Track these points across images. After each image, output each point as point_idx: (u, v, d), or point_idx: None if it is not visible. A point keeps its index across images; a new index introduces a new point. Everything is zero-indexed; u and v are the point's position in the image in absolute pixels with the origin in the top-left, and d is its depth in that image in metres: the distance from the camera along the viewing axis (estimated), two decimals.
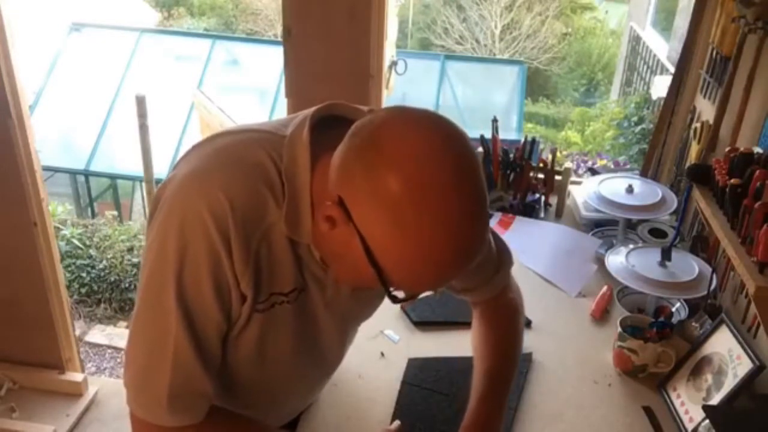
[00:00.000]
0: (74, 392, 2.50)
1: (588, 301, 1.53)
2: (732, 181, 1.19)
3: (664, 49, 7.59)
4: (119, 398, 2.52)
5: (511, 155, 1.89)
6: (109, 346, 4.63)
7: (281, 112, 5.02)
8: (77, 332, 3.70)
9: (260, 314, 0.87)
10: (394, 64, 2.37)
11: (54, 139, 6.45)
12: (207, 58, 7.11)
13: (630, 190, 1.69)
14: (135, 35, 7.30)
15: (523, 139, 1.91)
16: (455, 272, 0.78)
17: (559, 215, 1.91)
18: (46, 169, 3.31)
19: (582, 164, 5.72)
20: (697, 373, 1.25)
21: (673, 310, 1.49)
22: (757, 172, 1.15)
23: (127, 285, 5.10)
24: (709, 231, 1.48)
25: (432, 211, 0.72)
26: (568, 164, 2.05)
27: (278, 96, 6.65)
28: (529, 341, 1.20)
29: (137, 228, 5.81)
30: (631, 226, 1.76)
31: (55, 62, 7.04)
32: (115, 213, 6.52)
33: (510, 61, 9.66)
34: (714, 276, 1.42)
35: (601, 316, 1.49)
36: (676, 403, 1.23)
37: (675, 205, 1.68)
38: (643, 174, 2.01)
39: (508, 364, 1.11)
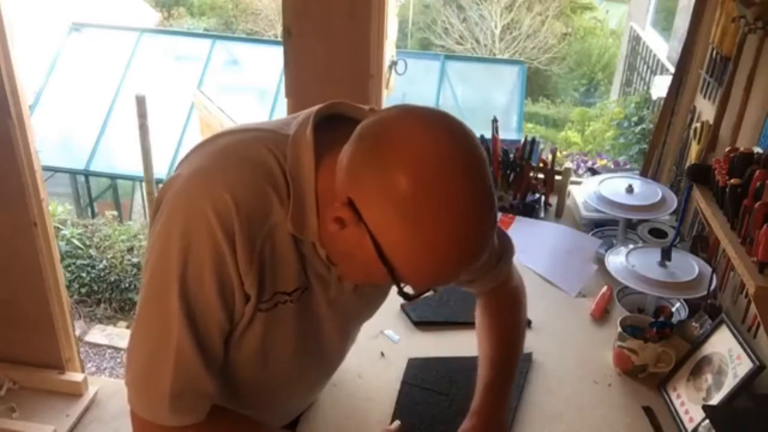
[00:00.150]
0: (74, 392, 2.50)
1: (588, 301, 1.53)
2: (732, 181, 1.19)
3: (664, 49, 7.59)
4: (119, 398, 2.54)
5: (511, 155, 1.89)
6: (109, 346, 4.63)
7: (281, 112, 5.02)
8: (77, 332, 3.71)
9: (263, 314, 0.87)
10: (394, 64, 2.37)
11: (54, 139, 6.46)
12: (207, 58, 7.11)
13: (630, 190, 1.69)
14: (135, 35, 7.30)
15: (523, 139, 1.91)
16: (465, 268, 0.79)
17: (559, 215, 1.91)
18: (46, 169, 3.31)
19: (582, 164, 5.72)
20: (697, 373, 1.25)
21: (673, 310, 1.49)
22: (757, 172, 1.15)
23: (127, 285, 5.10)
24: (709, 231, 1.48)
25: (443, 209, 0.73)
26: (568, 164, 2.06)
27: (278, 96, 6.65)
28: (529, 341, 1.20)
29: (137, 228, 5.82)
30: (631, 226, 1.76)
31: (55, 62, 7.04)
32: (115, 213, 6.53)
33: (510, 61, 9.66)
34: (714, 276, 1.42)
35: (601, 316, 1.49)
36: (676, 403, 1.23)
37: (675, 205, 1.68)
38: (643, 174, 2.01)
39: (512, 352, 1.14)
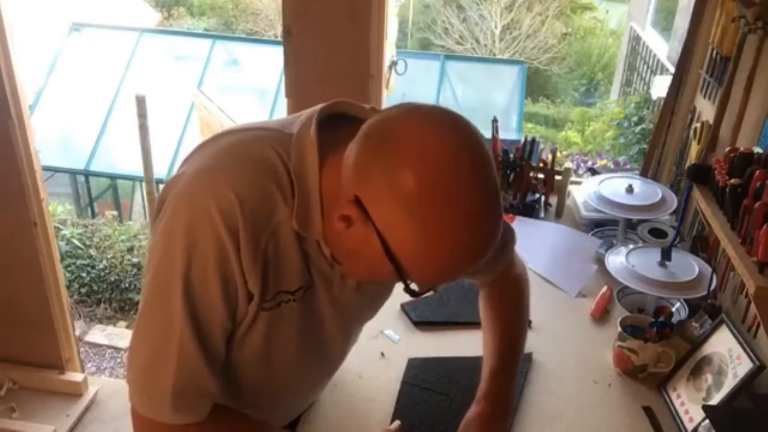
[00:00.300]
0: (74, 392, 2.50)
1: (588, 301, 1.53)
2: (732, 181, 1.19)
3: (664, 49, 7.59)
4: (119, 398, 2.54)
5: (511, 155, 1.89)
6: (109, 346, 4.63)
7: (281, 112, 5.02)
8: (77, 332, 3.71)
9: (267, 312, 0.87)
10: (394, 64, 2.37)
11: (54, 139, 6.46)
12: (207, 58, 7.11)
13: (630, 190, 1.69)
14: (135, 35, 7.29)
15: (523, 139, 1.91)
16: (472, 265, 0.79)
17: (559, 215, 1.91)
18: (46, 169, 3.31)
19: (582, 164, 5.72)
20: (697, 373, 1.25)
21: (673, 310, 1.49)
22: (757, 172, 1.15)
23: (127, 285, 5.10)
24: (709, 231, 1.48)
25: (449, 208, 0.74)
26: (568, 164, 2.06)
27: (278, 96, 6.65)
28: (529, 341, 1.20)
29: (137, 228, 5.82)
30: (631, 226, 1.76)
31: (55, 62, 7.03)
32: (115, 213, 6.53)
33: (510, 61, 9.65)
34: (714, 276, 1.42)
35: (601, 316, 1.49)
36: (676, 403, 1.23)
37: (675, 205, 1.68)
38: (643, 174, 2.01)
39: (515, 340, 1.15)
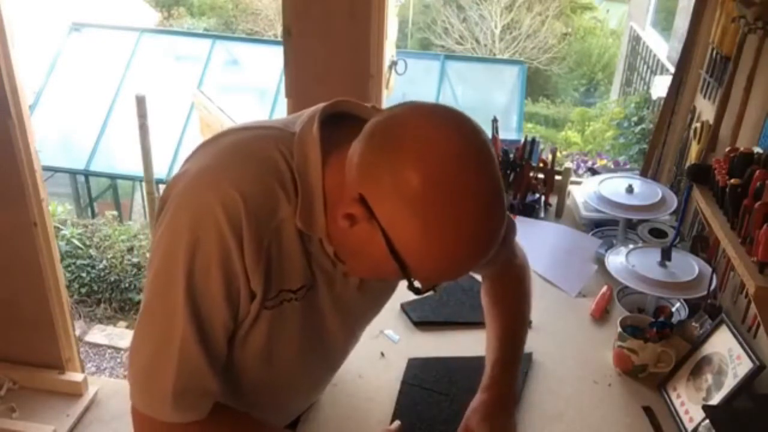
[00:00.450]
0: (74, 392, 2.50)
1: (588, 301, 1.53)
2: (732, 181, 1.19)
3: (664, 49, 7.59)
4: (119, 398, 2.54)
5: (511, 155, 1.89)
6: (109, 346, 4.63)
7: (281, 112, 5.02)
8: (77, 332, 3.70)
9: (269, 311, 0.88)
10: (394, 64, 2.37)
11: (54, 139, 6.46)
12: (207, 58, 7.11)
13: (630, 190, 1.69)
14: (135, 35, 7.29)
15: (523, 139, 1.91)
16: (476, 262, 0.80)
17: (559, 215, 1.91)
18: (46, 169, 3.31)
19: (582, 164, 5.71)
20: (697, 373, 1.25)
21: (673, 310, 1.49)
22: (757, 172, 1.15)
23: (127, 285, 5.10)
24: (709, 231, 1.48)
25: (453, 206, 0.74)
26: (568, 164, 2.06)
27: (278, 96, 6.64)
28: (529, 341, 1.20)
29: (137, 228, 5.82)
30: (631, 226, 1.76)
31: (55, 62, 7.03)
32: (115, 213, 6.52)
33: (510, 61, 9.65)
34: (714, 276, 1.42)
35: (601, 316, 1.49)
36: (676, 403, 1.23)
37: (675, 205, 1.68)
38: (643, 174, 2.01)
39: (518, 328, 1.16)
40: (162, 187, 4.54)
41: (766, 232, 1.04)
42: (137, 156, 3.89)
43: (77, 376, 2.52)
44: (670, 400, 1.25)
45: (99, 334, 4.75)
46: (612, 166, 5.18)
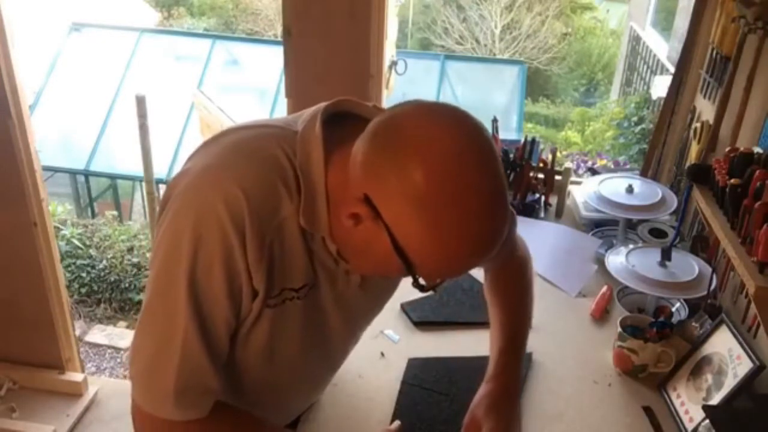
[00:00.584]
0: (74, 392, 2.50)
1: (588, 301, 1.53)
2: (732, 181, 1.19)
3: (664, 49, 7.59)
4: (119, 398, 2.54)
5: (511, 155, 1.89)
6: (109, 346, 4.64)
7: (281, 112, 5.02)
8: (77, 332, 3.71)
9: (271, 310, 0.88)
10: (394, 64, 2.37)
11: (54, 139, 6.46)
12: (207, 58, 7.11)
13: (630, 190, 1.69)
14: (135, 35, 7.29)
15: (523, 139, 1.91)
16: (480, 259, 0.80)
17: (559, 215, 1.91)
18: (46, 169, 3.31)
19: (582, 164, 5.71)
20: (697, 373, 1.25)
21: (673, 310, 1.49)
22: (757, 172, 1.15)
23: (127, 285, 5.10)
24: (709, 231, 1.48)
25: (457, 205, 0.74)
26: (568, 164, 2.06)
27: (278, 96, 6.65)
28: (529, 341, 1.20)
29: (137, 228, 5.82)
30: (631, 226, 1.76)
31: (55, 62, 7.03)
32: (115, 213, 6.52)
33: (510, 61, 9.65)
34: (714, 276, 1.42)
35: (601, 316, 1.49)
36: (676, 403, 1.23)
37: (675, 205, 1.68)
38: (643, 174, 2.01)
39: (522, 319, 1.17)
40: (162, 187, 4.56)
41: (766, 232, 1.04)
42: (137, 156, 3.88)
43: (77, 376, 2.52)
44: (670, 400, 1.25)
45: (99, 334, 4.75)
46: (612, 166, 5.19)
